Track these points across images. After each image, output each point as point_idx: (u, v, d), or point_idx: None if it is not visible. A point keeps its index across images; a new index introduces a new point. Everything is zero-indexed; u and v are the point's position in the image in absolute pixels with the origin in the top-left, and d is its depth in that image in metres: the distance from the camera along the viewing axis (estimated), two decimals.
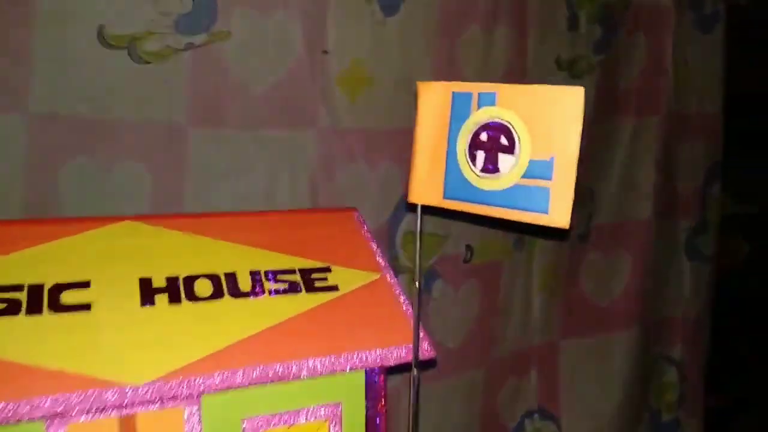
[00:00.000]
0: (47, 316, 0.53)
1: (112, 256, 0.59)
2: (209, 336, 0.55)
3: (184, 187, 1.02)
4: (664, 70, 1.38)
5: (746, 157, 1.70)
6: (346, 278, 0.64)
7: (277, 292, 0.61)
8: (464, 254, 1.24)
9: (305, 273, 0.64)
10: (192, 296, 0.59)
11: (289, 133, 1.09)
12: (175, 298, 0.57)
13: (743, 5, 1.71)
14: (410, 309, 0.63)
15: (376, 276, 0.66)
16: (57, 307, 0.54)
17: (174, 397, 0.51)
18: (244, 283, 0.61)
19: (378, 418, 0.60)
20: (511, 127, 0.52)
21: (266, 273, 0.63)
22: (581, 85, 1.27)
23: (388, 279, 0.66)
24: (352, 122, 1.12)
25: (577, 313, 1.38)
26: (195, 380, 0.52)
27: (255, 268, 0.63)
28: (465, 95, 0.54)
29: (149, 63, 0.99)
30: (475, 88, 0.54)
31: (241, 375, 0.53)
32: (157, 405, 0.52)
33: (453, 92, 0.54)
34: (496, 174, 0.53)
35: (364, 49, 1.11)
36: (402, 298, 0.64)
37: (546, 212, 0.51)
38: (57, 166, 0.97)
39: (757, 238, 1.92)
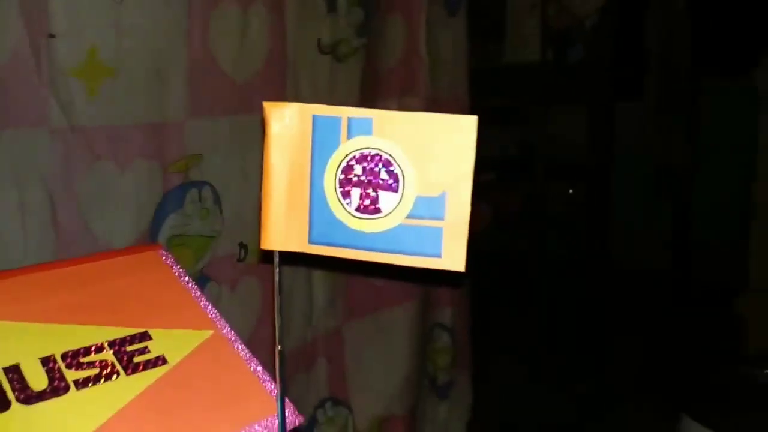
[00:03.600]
0: None
1: None
2: None
3: None
4: (420, 52, 1.41)
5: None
6: (172, 344, 0.51)
7: (85, 382, 0.46)
8: (238, 253, 1.15)
9: (117, 346, 0.49)
10: None
11: (11, 134, 0.89)
12: None
13: None
14: (258, 366, 0.53)
15: (207, 333, 0.54)
16: None
17: None
18: (36, 379, 0.45)
19: None
20: (392, 160, 0.45)
21: (62, 357, 0.46)
22: (346, 69, 1.26)
23: (224, 333, 0.55)
24: (93, 119, 0.95)
25: (356, 295, 1.38)
26: None
27: (45, 353, 0.46)
28: (330, 120, 0.45)
29: None
30: (343, 112, 0.45)
31: None
32: None
33: (314, 116, 0.45)
34: (377, 214, 0.45)
35: (101, 34, 0.95)
36: (245, 355, 0.53)
37: (439, 255, 0.45)
38: None
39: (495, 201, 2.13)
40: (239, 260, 1.16)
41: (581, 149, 2.44)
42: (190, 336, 0.52)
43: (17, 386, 0.44)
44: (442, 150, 0.43)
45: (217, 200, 1.13)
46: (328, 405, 1.36)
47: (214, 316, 0.54)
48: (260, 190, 0.46)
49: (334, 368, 1.36)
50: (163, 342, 0.51)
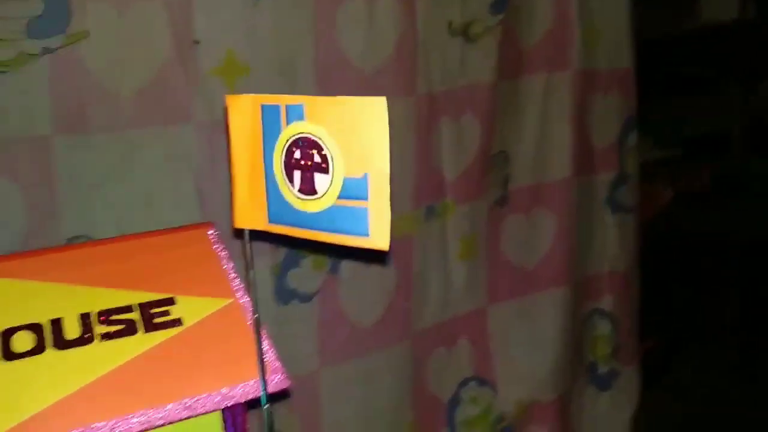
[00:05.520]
0: None
1: None
2: (25, 399, 0.50)
3: (56, 201, 0.97)
4: (571, 23, 1.34)
5: (666, 104, 1.69)
6: (192, 309, 0.59)
7: (108, 336, 0.56)
8: None
9: (144, 308, 0.59)
10: (8, 354, 0.53)
11: (164, 131, 1.03)
12: None
13: None
14: (266, 336, 0.59)
15: (226, 302, 0.61)
16: None
17: None
18: (72, 330, 0.56)
19: None
20: (321, 143, 0.47)
21: (99, 315, 0.57)
22: (479, 48, 1.25)
23: (241, 303, 0.62)
24: None
25: (503, 278, 1.37)
26: None
27: (86, 310, 0.58)
28: (274, 108, 0.49)
29: (4, 72, 0.92)
30: (282, 100, 0.48)
31: None
32: None
33: (262, 105, 0.49)
34: (314, 195, 0.48)
35: (238, 35, 1.06)
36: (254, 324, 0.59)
37: (366, 234, 0.46)
38: None
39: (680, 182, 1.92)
40: None
41: None
42: (209, 303, 0.59)
43: (55, 335, 0.55)
44: (361, 132, 0.45)
45: None
46: (472, 384, 1.37)
47: (237, 287, 0.61)
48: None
49: (478, 349, 1.37)
50: (184, 307, 0.59)
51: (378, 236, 0.45)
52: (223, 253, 0.66)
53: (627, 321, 1.47)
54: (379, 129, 0.44)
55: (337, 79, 1.15)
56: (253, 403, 0.59)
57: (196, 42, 1.06)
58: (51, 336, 0.55)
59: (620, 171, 1.45)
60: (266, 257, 1.12)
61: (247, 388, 0.54)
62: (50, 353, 0.54)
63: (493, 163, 1.32)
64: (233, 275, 0.63)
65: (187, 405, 0.52)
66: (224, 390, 0.54)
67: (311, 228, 0.48)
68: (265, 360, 0.55)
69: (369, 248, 0.46)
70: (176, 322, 0.58)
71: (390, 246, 1.20)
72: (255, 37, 1.10)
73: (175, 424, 0.52)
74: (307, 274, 1.17)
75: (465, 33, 1.24)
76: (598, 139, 1.43)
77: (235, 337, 0.57)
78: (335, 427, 1.22)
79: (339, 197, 0.47)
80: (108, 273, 0.60)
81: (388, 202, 0.44)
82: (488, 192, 1.33)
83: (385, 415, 1.25)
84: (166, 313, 0.59)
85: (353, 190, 0.46)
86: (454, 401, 1.34)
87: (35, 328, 0.55)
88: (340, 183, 0.46)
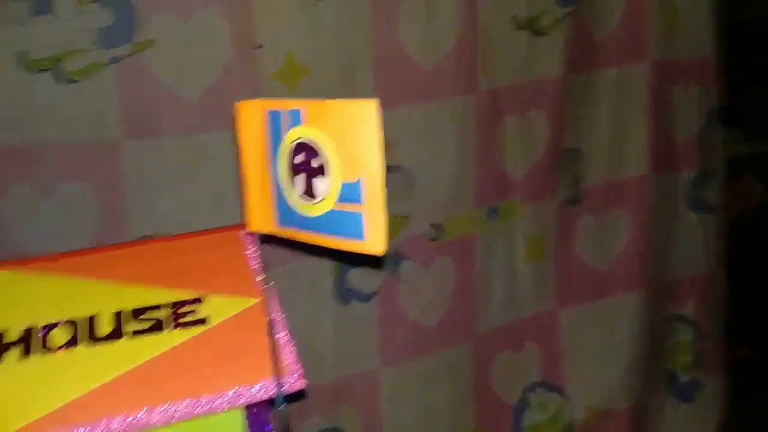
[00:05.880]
0: None
1: None
2: (53, 391, 0.53)
3: (126, 202, 1.02)
4: (646, 11, 1.27)
5: (758, 93, 1.56)
6: (219, 308, 0.60)
7: (137, 332, 0.59)
8: (431, 233, 1.20)
9: (174, 307, 0.61)
10: (45, 347, 0.57)
11: (228, 134, 1.06)
12: (26, 352, 0.56)
13: None
14: (285, 334, 0.60)
15: (252, 302, 0.62)
16: None
17: None
18: (105, 327, 0.59)
19: None
20: (318, 148, 0.47)
21: (131, 312, 0.60)
22: (546, 42, 1.20)
23: (267, 302, 0.62)
24: None
25: (574, 280, 1.32)
26: None
27: (119, 308, 0.60)
28: (277, 114, 0.49)
29: (76, 82, 0.98)
30: (284, 105, 0.49)
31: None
32: None
33: (268, 111, 0.49)
34: (314, 199, 0.48)
35: (298, 38, 1.07)
36: (282, 327, 0.60)
37: (362, 238, 0.46)
38: (4, 199, 0.98)
39: None
40: (432, 239, 1.21)
41: None
42: (236, 303, 0.61)
43: (88, 331, 0.58)
44: (354, 136, 0.44)
45: (409, 184, 1.19)
46: (540, 390, 1.33)
47: (265, 287, 0.62)
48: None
49: (547, 353, 1.33)
50: (212, 306, 0.61)
51: (373, 240, 0.45)
52: (255, 254, 0.67)
53: (711, 328, 1.38)
54: (370, 132, 0.43)
55: (396, 77, 1.15)
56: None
57: (258, 47, 1.09)
58: (86, 331, 0.58)
59: (703, 167, 1.36)
60: (327, 258, 1.14)
61: (264, 388, 0.55)
62: (83, 348, 0.57)
63: (563, 161, 1.27)
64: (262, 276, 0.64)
65: (204, 402, 0.53)
66: (241, 389, 0.55)
67: (312, 231, 0.48)
68: (283, 360, 0.56)
69: (365, 253, 0.46)
70: (202, 321, 0.60)
71: (449, 246, 1.19)
72: (314, 38, 1.11)
73: (197, 419, 0.54)
74: (367, 274, 1.17)
75: (531, 26, 1.20)
76: (679, 134, 1.34)
77: (257, 337, 0.58)
78: (395, 427, 1.22)
79: (337, 201, 0.46)
80: (144, 272, 0.63)
81: (383, 206, 0.43)
82: (558, 191, 1.28)
83: (447, 416, 1.24)
84: (193, 312, 0.61)
85: (349, 194, 0.45)
86: (521, 406, 1.31)
87: (72, 324, 0.58)
88: (338, 187, 0.46)
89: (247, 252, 0.66)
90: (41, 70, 0.96)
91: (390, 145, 1.15)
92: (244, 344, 0.58)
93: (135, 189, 1.01)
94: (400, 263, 1.19)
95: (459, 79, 1.16)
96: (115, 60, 1.00)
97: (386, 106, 1.14)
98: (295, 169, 0.48)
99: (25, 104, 0.97)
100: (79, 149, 0.99)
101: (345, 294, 1.15)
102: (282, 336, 0.59)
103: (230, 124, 1.07)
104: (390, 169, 1.17)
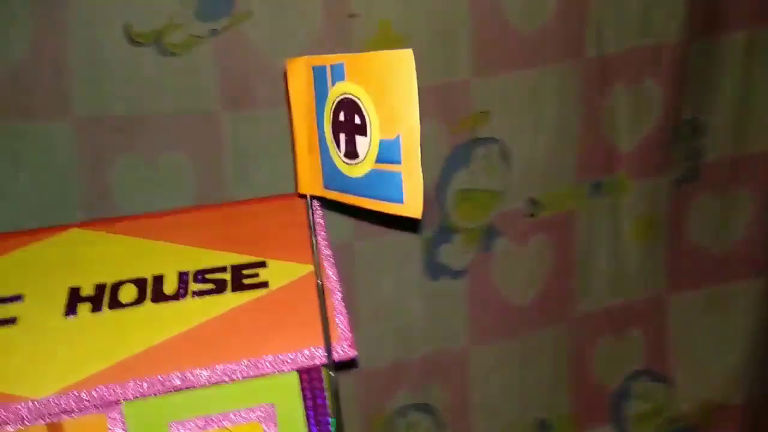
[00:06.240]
0: None
1: (51, 266, 0.62)
2: (122, 344, 0.56)
3: (225, 171, 1.05)
4: None
5: None
6: (281, 273, 0.61)
7: (201, 293, 0.60)
8: (527, 208, 1.15)
9: (237, 270, 0.62)
10: (115, 303, 0.59)
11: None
12: (97, 307, 0.59)
13: None
14: (338, 300, 0.59)
15: (312, 268, 0.61)
16: None
17: (83, 408, 0.52)
18: (170, 286, 0.61)
19: (321, 417, 0.57)
20: (360, 104, 0.44)
21: (195, 274, 0.61)
22: (663, 5, 1.10)
23: (326, 270, 0.62)
24: None
25: (687, 264, 1.22)
26: (100, 389, 0.53)
27: (185, 268, 0.62)
28: (322, 69, 0.47)
29: (176, 54, 1.02)
30: (328, 60, 0.47)
31: (146, 385, 0.53)
32: (74, 414, 0.53)
33: (312, 67, 0.48)
34: (356, 159, 0.46)
35: (394, 5, 1.05)
36: (336, 293, 0.59)
37: (401, 201, 0.43)
38: (105, 166, 1.04)
39: None
40: (529, 215, 1.16)
41: None
42: (296, 268, 0.61)
43: (155, 290, 0.60)
44: (392, 89, 0.41)
45: (505, 156, 1.15)
46: (643, 378, 1.25)
47: (326, 254, 0.62)
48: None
49: (654, 340, 1.24)
50: (274, 270, 0.61)
51: (411, 203, 0.42)
52: (318, 220, 0.66)
53: None
54: (407, 84, 0.40)
55: (495, 43, 1.10)
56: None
57: (352, 15, 1.07)
58: (151, 290, 0.60)
59: None
60: (417, 231, 1.12)
61: (314, 353, 0.55)
62: (149, 305, 0.59)
63: (679, 134, 1.17)
64: (324, 243, 0.64)
65: (260, 363, 0.54)
66: (291, 354, 0.54)
67: (354, 193, 0.47)
68: (337, 327, 0.55)
69: (403, 215, 0.43)
70: (263, 285, 0.61)
71: (547, 223, 1.13)
72: (410, 6, 1.08)
73: (251, 381, 0.55)
74: (458, 249, 1.14)
75: None
76: None
77: (310, 303, 0.57)
78: (485, 408, 1.19)
79: (376, 161, 0.44)
80: (210, 235, 0.65)
81: (419, 165, 0.41)
82: (672, 166, 1.18)
83: (540, 398, 1.19)
84: (255, 275, 0.61)
85: (388, 153, 0.43)
86: (622, 394, 1.23)
87: (140, 282, 0.61)
88: (377, 145, 0.44)
89: (307, 218, 0.66)
90: (144, 44, 1.00)
91: (484, 116, 1.11)
92: (301, 309, 0.58)
93: (232, 159, 1.04)
94: (494, 239, 1.15)
95: (563, 45, 1.09)
96: (214, 32, 1.02)
97: (482, 75, 1.11)
98: (338, 127, 0.47)
99: (130, 76, 1.02)
100: (180, 120, 1.03)
101: (435, 269, 1.13)
102: (336, 303, 0.58)
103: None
104: (484, 141, 1.14)
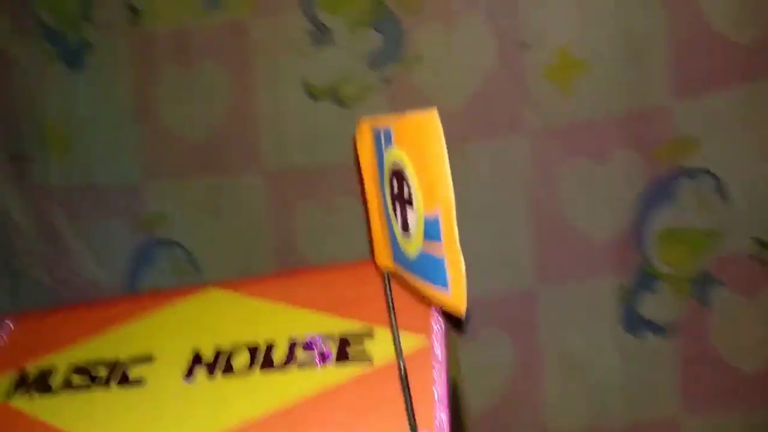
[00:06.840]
0: (113, 391, 0.60)
1: (183, 327, 0.64)
2: (225, 413, 0.55)
3: None
4: None
5: None
6: (386, 344, 0.55)
7: (303, 363, 0.57)
8: (753, 251, 0.95)
9: (342, 337, 0.58)
10: (228, 368, 0.59)
11: (496, 142, 1.01)
12: (211, 372, 0.59)
13: None
14: (442, 390, 0.51)
15: (420, 338, 0.55)
16: (122, 381, 0.61)
17: None
18: (279, 353, 0.59)
19: None
20: (404, 173, 0.38)
21: (305, 342, 0.59)
22: None
23: (433, 342, 0.55)
24: (566, 116, 0.98)
25: None
26: None
27: (294, 332, 0.60)
28: (377, 132, 0.41)
29: (352, 106, 1.04)
30: (382, 123, 0.41)
31: None
32: None
33: (372, 129, 0.42)
34: (408, 233, 0.39)
35: (573, 29, 0.96)
36: (438, 373, 0.52)
37: (446, 287, 0.35)
38: (294, 214, 1.09)
39: None
40: (756, 260, 0.96)
41: None
42: (407, 340, 0.55)
43: (263, 358, 0.59)
44: (426, 156, 0.34)
45: (721, 189, 0.97)
46: None
47: (435, 322, 0.56)
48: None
49: None
50: (380, 341, 0.56)
51: (454, 293, 0.34)
52: None
53: None
54: (437, 150, 0.33)
55: (698, 58, 0.94)
56: None
57: (525, 46, 1.00)
58: (263, 357, 0.59)
59: None
60: (609, 275, 0.99)
61: None
62: (256, 375, 0.58)
63: None
64: (434, 310, 0.57)
65: None
66: None
67: (414, 272, 0.40)
68: (432, 419, 0.48)
69: (448, 309, 0.35)
70: (367, 359, 0.56)
71: None
72: (593, 27, 0.98)
73: None
74: (663, 299, 0.99)
75: None
76: None
77: (419, 385, 0.51)
78: None
79: (424, 237, 0.37)
80: (318, 298, 0.62)
81: (457, 248, 0.33)
82: None
83: None
84: (359, 347, 0.57)
85: (432, 230, 0.36)
86: None
87: (253, 349, 0.60)
88: (422, 220, 0.37)
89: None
90: (320, 97, 1.04)
91: (689, 143, 0.95)
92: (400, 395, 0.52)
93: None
94: (710, 289, 0.97)
95: None
96: (385, 81, 1.02)
97: (685, 97, 0.96)
98: (394, 197, 0.41)
99: (310, 129, 1.07)
100: (353, 168, 1.04)
101: (635, 323, 0.99)
102: (439, 393, 0.51)
103: (496, 131, 1.01)
104: (692, 172, 0.97)
